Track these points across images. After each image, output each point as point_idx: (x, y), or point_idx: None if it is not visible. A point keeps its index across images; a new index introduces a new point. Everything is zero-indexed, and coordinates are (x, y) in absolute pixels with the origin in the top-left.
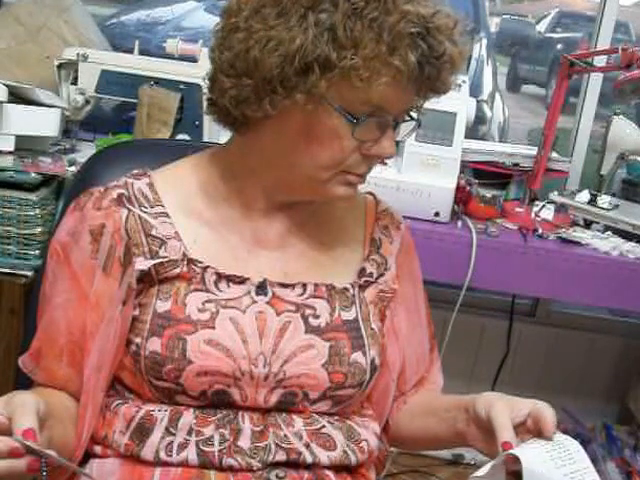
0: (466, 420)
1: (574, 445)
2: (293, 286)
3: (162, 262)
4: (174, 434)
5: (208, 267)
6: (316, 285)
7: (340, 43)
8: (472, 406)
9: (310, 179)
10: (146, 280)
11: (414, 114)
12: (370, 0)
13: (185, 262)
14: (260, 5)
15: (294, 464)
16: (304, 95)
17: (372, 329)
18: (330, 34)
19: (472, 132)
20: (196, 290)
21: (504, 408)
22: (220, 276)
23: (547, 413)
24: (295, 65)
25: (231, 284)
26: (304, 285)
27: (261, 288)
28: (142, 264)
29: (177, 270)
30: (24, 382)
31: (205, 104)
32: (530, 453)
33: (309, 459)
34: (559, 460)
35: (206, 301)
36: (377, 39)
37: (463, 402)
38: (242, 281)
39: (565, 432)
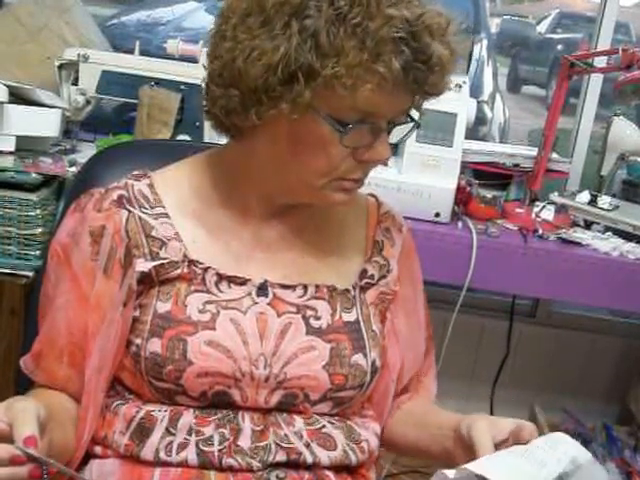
0: (454, 440)
1: (553, 437)
2: (294, 287)
3: (163, 263)
4: (174, 434)
5: (209, 268)
6: (317, 286)
7: (323, 51)
8: (458, 426)
9: (305, 186)
10: (146, 281)
11: (415, 114)
12: (354, 4)
13: (186, 263)
14: (246, 14)
15: (294, 464)
16: (289, 105)
17: (373, 331)
18: (313, 41)
19: (472, 133)
20: (197, 291)
21: (485, 427)
22: (221, 277)
23: (527, 426)
24: (278, 75)
25: (232, 285)
26: (305, 286)
27: (262, 289)
28: (143, 265)
29: (178, 271)
30: (24, 382)
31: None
32: (491, 462)
33: (309, 459)
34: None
35: (207, 302)
36: (360, 46)
37: (453, 422)
38: (243, 282)
39: (566, 432)
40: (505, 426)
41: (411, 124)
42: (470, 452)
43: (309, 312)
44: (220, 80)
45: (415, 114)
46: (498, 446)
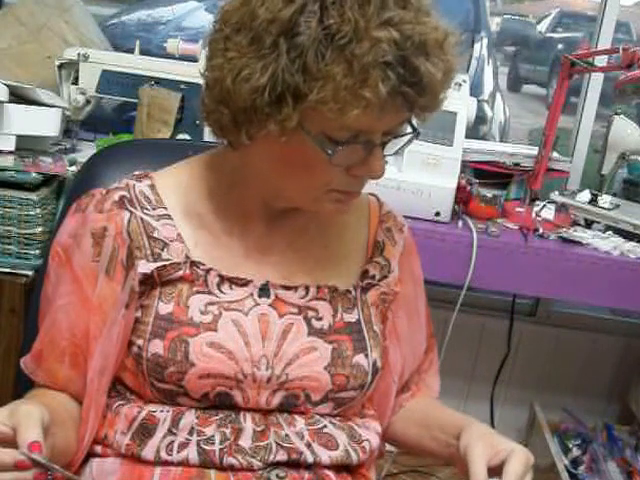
0: (457, 447)
1: None
2: (296, 288)
3: (165, 265)
4: (175, 434)
5: (211, 269)
6: (319, 287)
7: (310, 73)
8: (459, 436)
9: (300, 197)
10: (148, 282)
11: (415, 120)
12: (343, 22)
13: (188, 264)
14: (236, 28)
15: (295, 464)
16: (278, 126)
17: (374, 331)
18: (301, 62)
19: (473, 132)
20: (199, 292)
21: (482, 453)
22: (223, 278)
23: (513, 463)
24: (266, 97)
25: (234, 286)
26: (307, 287)
27: (264, 290)
28: (145, 267)
29: (180, 272)
30: (24, 382)
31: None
32: None
33: (310, 459)
34: None
35: (208, 303)
36: (346, 72)
37: (457, 427)
38: (245, 283)
39: (566, 432)
40: (502, 449)
41: (410, 131)
42: (467, 471)
43: (311, 313)
44: (212, 94)
45: (416, 119)
46: (491, 470)
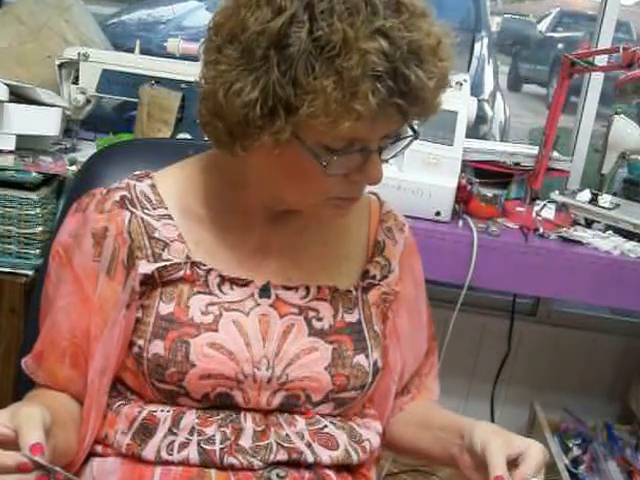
0: (460, 446)
1: None
2: (296, 288)
3: (165, 265)
4: (176, 434)
5: (212, 270)
6: (319, 287)
7: (301, 86)
8: (468, 436)
9: (299, 203)
10: (149, 282)
11: (414, 121)
12: (333, 33)
13: (188, 265)
14: (228, 39)
15: (295, 463)
16: (271, 138)
17: (374, 331)
18: (291, 74)
19: (473, 131)
20: (199, 292)
21: (501, 446)
22: (224, 279)
23: (532, 454)
24: (257, 111)
25: (234, 287)
26: (307, 287)
27: (264, 290)
28: (145, 267)
29: (180, 273)
30: (24, 382)
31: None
32: None
33: (310, 459)
34: None
35: (209, 304)
36: (335, 85)
37: (460, 426)
38: (245, 284)
39: (566, 431)
40: (518, 446)
41: (409, 133)
42: (480, 465)
43: (311, 313)
44: (207, 106)
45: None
46: (509, 464)
